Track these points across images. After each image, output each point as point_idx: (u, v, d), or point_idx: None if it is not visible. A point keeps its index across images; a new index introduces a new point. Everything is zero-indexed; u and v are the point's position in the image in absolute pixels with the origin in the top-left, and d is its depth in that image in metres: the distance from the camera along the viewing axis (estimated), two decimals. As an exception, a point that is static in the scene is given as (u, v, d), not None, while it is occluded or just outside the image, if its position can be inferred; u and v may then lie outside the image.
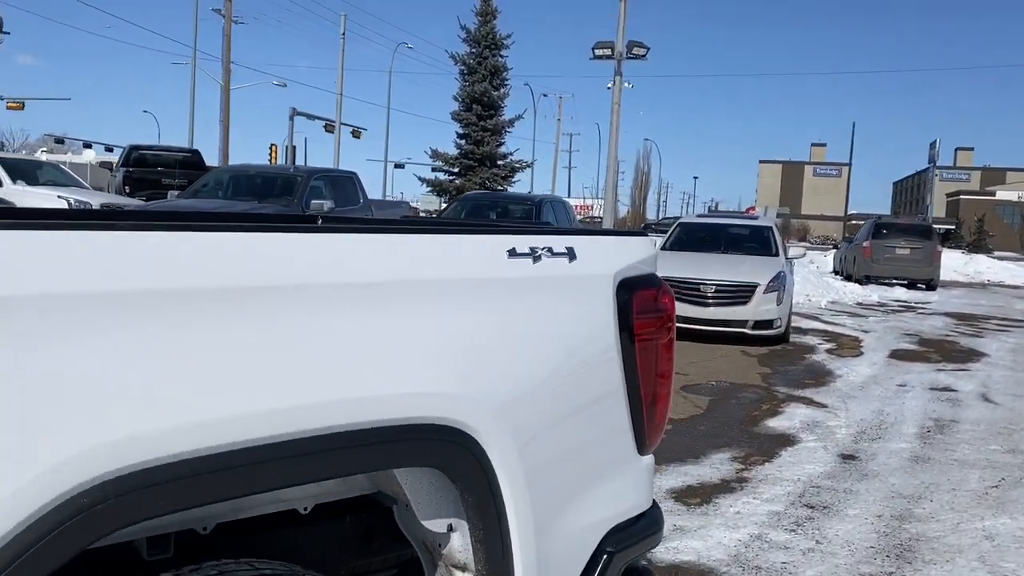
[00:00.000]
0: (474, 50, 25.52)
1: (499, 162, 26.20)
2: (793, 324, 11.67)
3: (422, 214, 13.60)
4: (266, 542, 1.74)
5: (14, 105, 41.21)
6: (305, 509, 1.72)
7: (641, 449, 1.90)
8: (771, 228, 12.68)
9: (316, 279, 1.35)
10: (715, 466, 5.18)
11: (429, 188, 26.21)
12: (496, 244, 1.63)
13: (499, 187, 25.77)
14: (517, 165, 26.88)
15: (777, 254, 11.79)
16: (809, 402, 7.27)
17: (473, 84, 25.36)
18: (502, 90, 26.07)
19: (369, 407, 1.38)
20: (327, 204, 11.79)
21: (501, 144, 26.12)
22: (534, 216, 11.99)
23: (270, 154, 37.55)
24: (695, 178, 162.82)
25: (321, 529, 1.79)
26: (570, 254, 1.74)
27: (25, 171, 13.97)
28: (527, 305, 1.65)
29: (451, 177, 26.04)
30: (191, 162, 19.34)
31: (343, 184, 13.27)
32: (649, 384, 1.88)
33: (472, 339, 1.54)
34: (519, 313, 1.63)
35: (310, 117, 41.94)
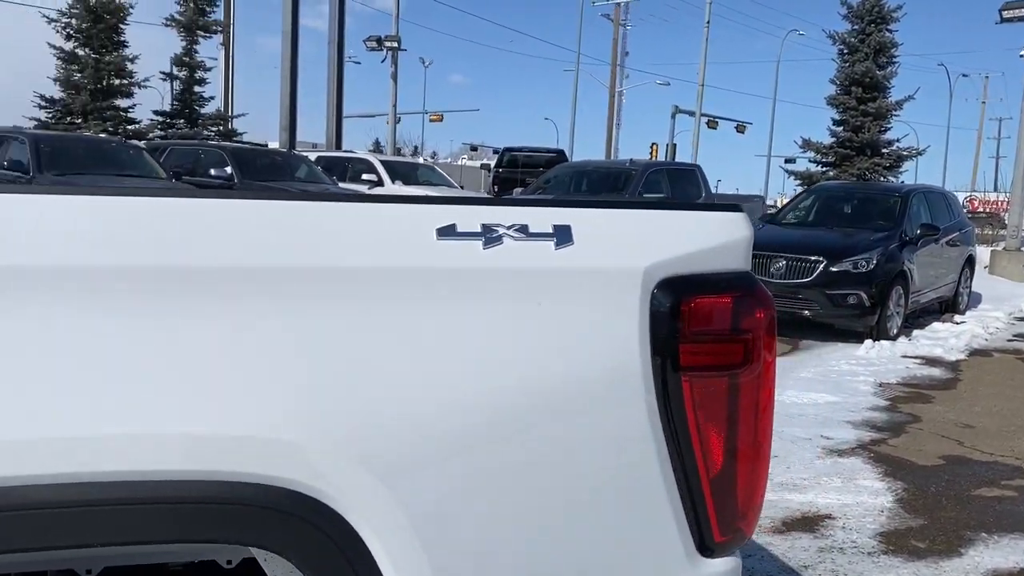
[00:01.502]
0: (856, 27, 22.99)
1: (883, 150, 23.34)
2: None
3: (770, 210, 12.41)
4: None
5: (435, 118, 46.93)
6: (229, 563, 1.34)
7: (704, 546, 1.20)
8: None
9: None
10: (1078, 545, 3.77)
11: (799, 181, 24.25)
12: (419, 218, 1.08)
13: (882, 178, 22.91)
14: (905, 153, 23.68)
15: None
16: None
17: (853, 64, 22.83)
18: (888, 69, 23.09)
19: (135, 452, 0.94)
20: (652, 198, 11.36)
21: (886, 129, 23.20)
22: (899, 210, 10.26)
23: (651, 153, 38.23)
24: None
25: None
26: (559, 236, 1.12)
27: (406, 173, 15.61)
28: (469, 312, 1.07)
29: (824, 168, 23.81)
30: (556, 162, 20.07)
31: (683, 177, 12.70)
32: (715, 443, 1.18)
33: (346, 361, 1.02)
34: (449, 325, 1.06)
35: (691, 114, 41.74)
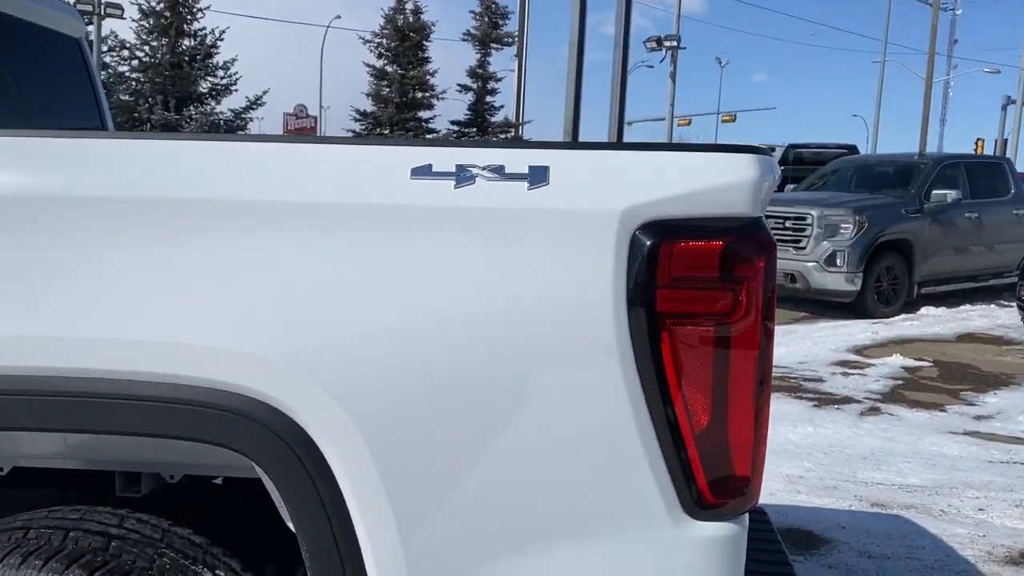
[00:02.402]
0: None
1: None
2: None
3: None
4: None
5: (727, 118, 45.94)
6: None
7: (695, 507, 1.13)
8: None
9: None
10: None
11: None
12: (396, 158, 1.14)
13: None
14: None
15: None
16: None
17: None
18: None
19: (130, 356, 1.11)
20: (951, 195, 10.16)
21: None
22: None
23: (976, 149, 34.64)
24: None
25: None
26: (533, 176, 1.12)
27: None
28: (437, 249, 1.12)
29: None
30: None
31: (986, 171, 11.19)
32: (700, 397, 1.11)
33: (318, 289, 1.11)
34: (417, 261, 1.12)
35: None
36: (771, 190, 1.29)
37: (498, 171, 1.13)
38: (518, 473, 1.12)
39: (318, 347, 1.10)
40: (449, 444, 1.11)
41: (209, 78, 22.03)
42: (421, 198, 1.12)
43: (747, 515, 1.19)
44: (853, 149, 20.07)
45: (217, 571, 1.29)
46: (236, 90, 22.40)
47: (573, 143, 1.43)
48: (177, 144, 1.16)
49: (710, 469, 1.12)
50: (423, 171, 1.13)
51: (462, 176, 1.12)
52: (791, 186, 13.35)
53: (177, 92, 21.14)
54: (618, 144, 1.19)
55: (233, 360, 1.10)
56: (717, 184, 1.12)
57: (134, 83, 21.78)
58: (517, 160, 1.13)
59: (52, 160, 1.15)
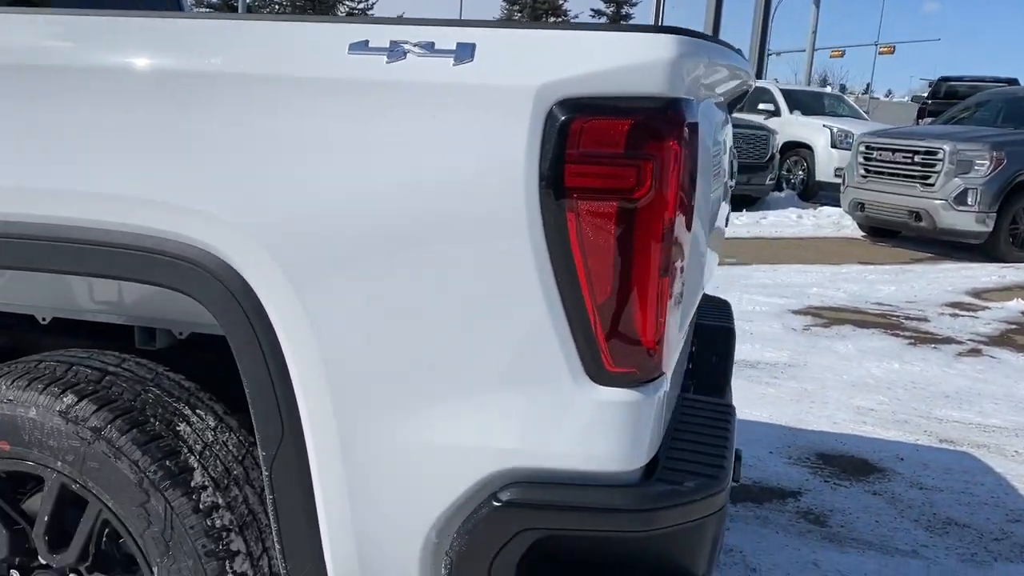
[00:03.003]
0: None
1: None
2: None
3: None
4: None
5: (885, 50, 43.07)
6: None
7: (598, 373, 1.20)
8: None
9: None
10: None
11: None
12: (333, 35, 1.23)
13: None
14: None
15: None
16: None
17: None
18: None
19: (101, 208, 1.28)
20: (1110, 131, 9.24)
21: None
22: None
23: None
24: None
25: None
26: (460, 52, 1.19)
27: (807, 103, 14.69)
28: (370, 122, 1.21)
29: None
30: (1006, 93, 17.18)
31: None
32: (602, 268, 1.17)
33: (260, 157, 1.23)
34: (350, 132, 1.21)
35: None
36: (708, 73, 1.30)
37: (428, 47, 1.19)
38: (433, 331, 1.21)
39: (259, 207, 1.22)
40: (370, 301, 1.21)
41: (347, 2, 22.56)
42: (356, 72, 1.20)
43: (657, 384, 1.24)
44: (1013, 83, 18.37)
45: (198, 410, 1.46)
46: (372, 13, 22.85)
47: (500, 21, 1.49)
48: (131, 20, 1.29)
49: (611, 338, 1.18)
50: (360, 47, 1.21)
51: (394, 51, 1.20)
52: (928, 120, 12.47)
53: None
54: (542, 23, 1.22)
55: (186, 215, 1.24)
56: (632, 63, 1.15)
57: (277, 6, 22.58)
58: (447, 37, 1.19)
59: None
